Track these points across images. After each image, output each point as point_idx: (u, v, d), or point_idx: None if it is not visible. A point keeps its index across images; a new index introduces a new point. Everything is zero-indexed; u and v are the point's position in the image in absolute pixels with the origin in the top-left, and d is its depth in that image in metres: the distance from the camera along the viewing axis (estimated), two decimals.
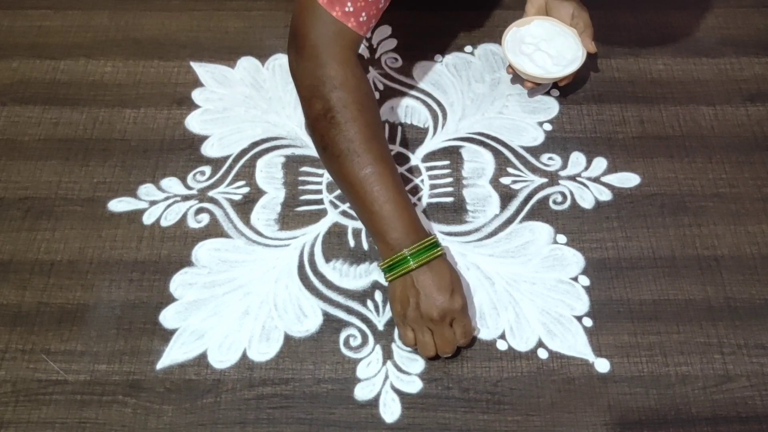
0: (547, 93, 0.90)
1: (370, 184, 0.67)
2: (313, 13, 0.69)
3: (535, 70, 0.84)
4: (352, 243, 0.78)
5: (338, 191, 0.82)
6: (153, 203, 0.81)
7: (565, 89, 0.89)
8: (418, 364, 0.70)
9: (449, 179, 0.83)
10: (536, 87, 0.88)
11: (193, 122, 0.87)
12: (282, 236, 0.78)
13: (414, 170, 0.83)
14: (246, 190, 0.82)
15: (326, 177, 0.83)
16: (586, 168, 0.83)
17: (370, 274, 0.76)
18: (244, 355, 0.71)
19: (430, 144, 0.86)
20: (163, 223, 0.79)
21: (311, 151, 0.85)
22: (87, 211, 0.80)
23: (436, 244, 0.67)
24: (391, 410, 0.68)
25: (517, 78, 0.88)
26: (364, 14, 0.69)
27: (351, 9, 0.68)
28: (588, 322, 0.72)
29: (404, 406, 0.68)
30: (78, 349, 0.71)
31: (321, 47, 0.69)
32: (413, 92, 0.90)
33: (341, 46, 0.70)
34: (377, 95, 0.90)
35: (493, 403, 0.68)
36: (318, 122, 0.69)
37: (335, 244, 0.78)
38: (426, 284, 0.65)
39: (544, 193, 0.81)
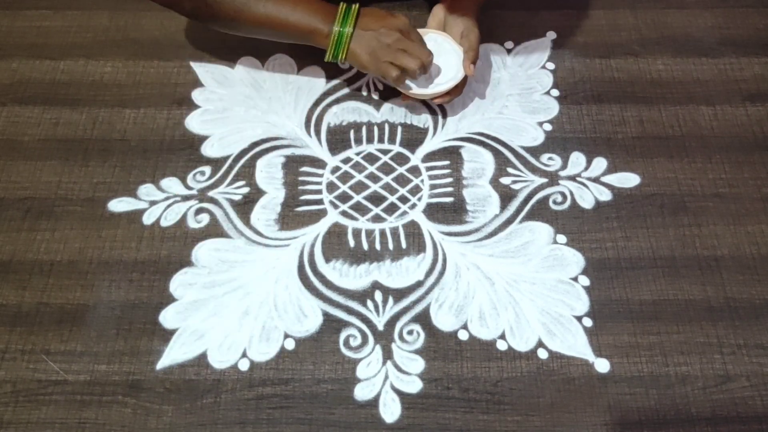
0: (547, 93, 0.90)
1: (274, 6, 0.76)
2: None
3: (408, 83, 0.83)
4: (352, 243, 0.78)
5: (338, 191, 0.82)
6: (153, 203, 0.81)
7: (565, 89, 0.89)
8: (417, 364, 0.70)
9: (449, 179, 0.83)
10: (413, 101, 0.87)
11: (193, 122, 0.87)
12: (282, 236, 0.78)
13: (414, 170, 0.83)
14: (246, 190, 0.82)
15: (326, 177, 0.83)
16: (586, 168, 0.83)
17: (369, 274, 0.76)
18: (244, 355, 0.71)
19: (430, 144, 0.86)
20: (163, 223, 0.79)
21: (311, 151, 0.85)
22: (87, 211, 0.80)
23: (349, 7, 0.77)
24: (391, 410, 0.68)
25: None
26: None
27: None
28: (588, 322, 0.73)
29: (404, 407, 0.68)
30: (78, 349, 0.71)
31: None
32: None
33: None
34: (377, 95, 0.90)
35: (493, 403, 0.68)
36: (199, 12, 0.77)
37: (335, 244, 0.78)
38: (373, 23, 0.76)
39: (544, 193, 0.81)
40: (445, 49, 0.85)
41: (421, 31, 0.86)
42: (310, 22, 0.77)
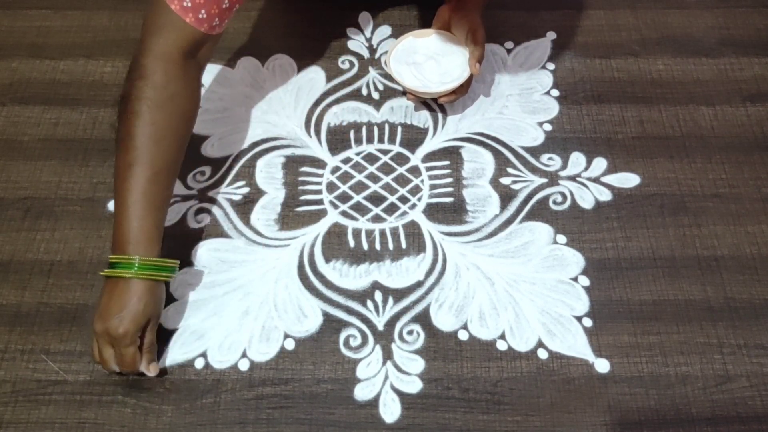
0: (547, 93, 0.90)
1: (126, 180, 0.66)
2: (155, 2, 0.68)
3: (414, 82, 0.83)
4: (351, 243, 0.78)
5: (338, 191, 0.82)
6: None
7: (565, 89, 0.89)
8: (417, 364, 0.70)
9: (449, 179, 0.83)
10: (418, 100, 0.87)
11: None
12: (282, 236, 0.78)
13: (414, 170, 0.83)
14: (246, 190, 0.82)
15: (326, 177, 0.83)
16: (586, 168, 0.83)
17: (369, 274, 0.76)
18: (244, 355, 0.71)
19: (430, 144, 0.86)
20: None
21: (311, 151, 0.85)
22: (87, 211, 0.80)
23: (170, 270, 0.68)
24: (390, 410, 0.68)
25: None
26: (203, 11, 0.68)
27: (189, 5, 0.67)
28: (588, 322, 0.72)
29: (404, 407, 0.68)
30: (78, 349, 0.71)
31: (149, 35, 0.69)
32: None
33: (167, 39, 0.69)
34: (377, 95, 0.90)
35: (493, 403, 0.68)
36: (119, 104, 0.69)
37: (335, 244, 0.78)
38: (109, 297, 0.65)
39: (544, 193, 0.81)
40: (451, 49, 0.85)
41: (426, 31, 0.87)
42: (132, 226, 0.66)
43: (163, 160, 0.69)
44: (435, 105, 0.88)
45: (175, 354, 0.71)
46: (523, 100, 0.89)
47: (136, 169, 0.67)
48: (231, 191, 0.82)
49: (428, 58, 0.85)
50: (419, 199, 0.81)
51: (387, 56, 0.86)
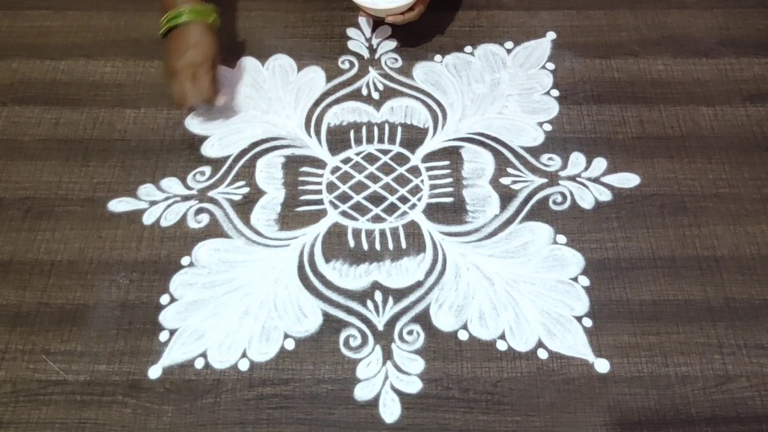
0: (547, 93, 0.89)
1: None
2: None
3: None
4: (351, 243, 0.78)
5: (338, 191, 0.82)
6: (153, 203, 0.81)
7: (565, 89, 0.89)
8: (417, 364, 0.70)
9: (449, 179, 0.83)
10: (369, 17, 0.92)
11: (193, 122, 0.87)
12: (282, 236, 0.78)
13: (414, 170, 0.83)
14: (246, 190, 0.82)
15: (326, 177, 0.83)
16: (586, 168, 0.83)
17: (369, 274, 0.76)
18: (244, 355, 0.71)
19: (430, 144, 0.86)
20: (163, 223, 0.79)
21: (311, 151, 0.85)
22: (87, 212, 0.80)
23: (214, 12, 0.83)
24: (390, 410, 0.68)
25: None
26: None
27: None
28: (588, 322, 0.73)
29: (404, 407, 0.68)
30: (78, 349, 0.71)
31: None
32: (413, 92, 0.90)
33: None
34: (377, 95, 0.90)
35: (493, 403, 0.68)
36: None
37: (335, 244, 0.78)
38: (177, 42, 0.80)
39: (544, 193, 0.81)
40: None
41: None
42: None
43: None
44: (435, 104, 0.88)
45: (175, 354, 0.71)
46: (523, 100, 0.89)
47: None
48: (231, 191, 0.82)
49: None
50: (419, 199, 0.81)
51: None
